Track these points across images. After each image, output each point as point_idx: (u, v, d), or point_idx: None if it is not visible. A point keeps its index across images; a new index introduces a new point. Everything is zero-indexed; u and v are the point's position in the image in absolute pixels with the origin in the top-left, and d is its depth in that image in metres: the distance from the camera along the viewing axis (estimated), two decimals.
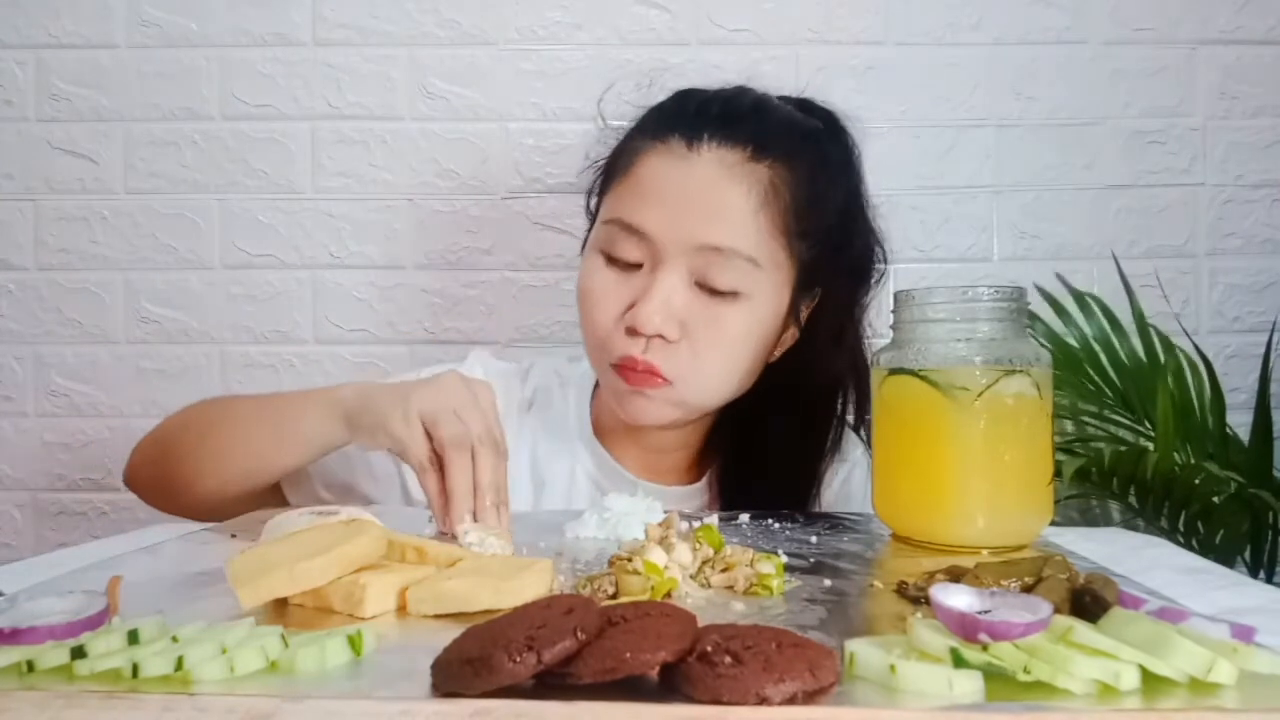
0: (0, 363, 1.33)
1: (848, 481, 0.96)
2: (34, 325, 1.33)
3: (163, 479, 0.87)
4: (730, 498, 0.90)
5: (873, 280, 0.92)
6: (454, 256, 1.33)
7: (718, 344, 0.82)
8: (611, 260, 0.84)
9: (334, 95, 1.33)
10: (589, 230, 0.91)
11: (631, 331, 0.81)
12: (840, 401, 0.93)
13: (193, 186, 1.33)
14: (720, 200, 0.81)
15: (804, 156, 0.85)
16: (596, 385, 0.96)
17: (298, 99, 1.33)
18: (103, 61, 1.33)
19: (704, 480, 0.94)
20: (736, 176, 0.81)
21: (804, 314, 0.89)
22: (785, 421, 0.90)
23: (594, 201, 0.92)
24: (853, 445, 0.97)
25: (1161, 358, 1.22)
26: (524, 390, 0.98)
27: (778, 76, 1.32)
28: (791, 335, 0.89)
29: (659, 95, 0.90)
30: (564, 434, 0.94)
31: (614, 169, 0.88)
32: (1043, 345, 0.67)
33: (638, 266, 0.83)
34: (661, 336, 0.80)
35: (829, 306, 0.90)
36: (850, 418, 0.95)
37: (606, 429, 0.94)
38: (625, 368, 0.82)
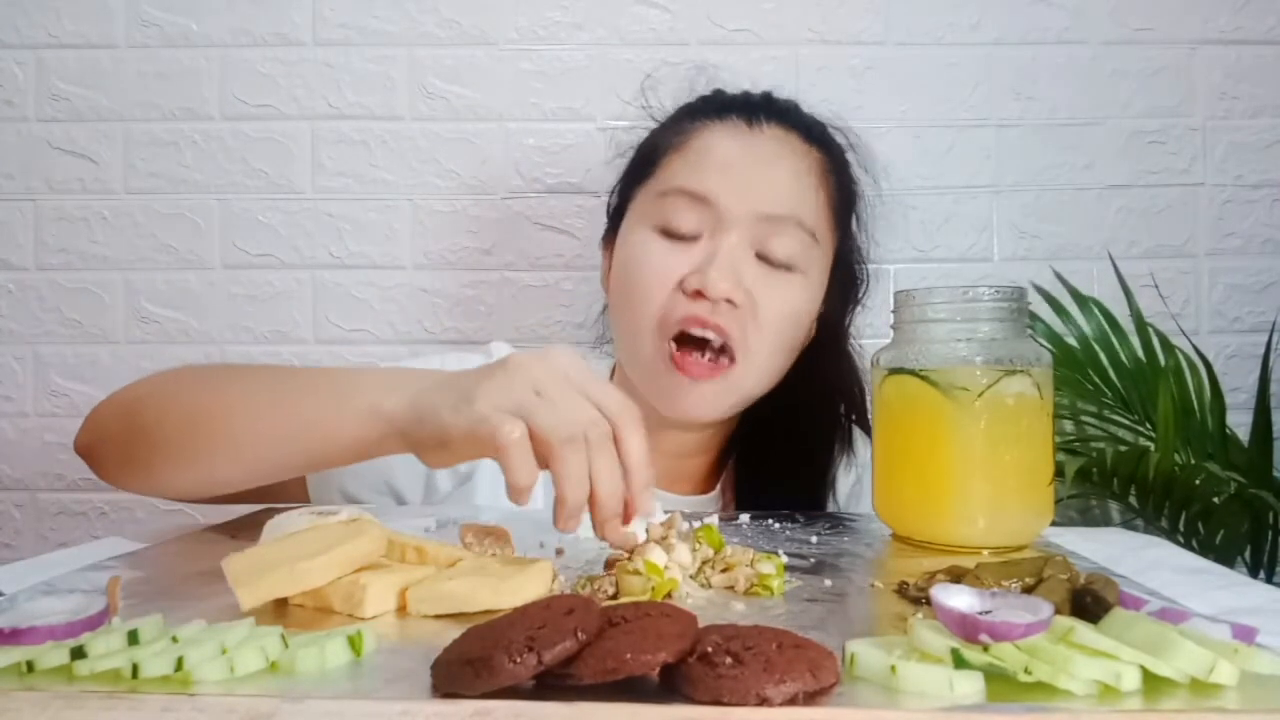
0: (0, 363, 1.33)
1: (859, 483, 0.96)
2: (34, 325, 1.33)
3: (129, 460, 0.73)
4: (745, 507, 0.89)
5: (860, 291, 0.94)
6: (454, 256, 1.33)
7: (777, 316, 0.81)
8: (666, 232, 0.82)
9: (334, 95, 1.33)
10: (610, 221, 0.91)
11: (696, 296, 0.79)
12: (843, 405, 0.92)
13: (193, 186, 1.33)
14: (785, 170, 0.83)
15: (840, 156, 0.89)
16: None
17: (298, 99, 1.33)
18: (103, 61, 1.33)
19: (716, 489, 0.93)
20: (798, 153, 0.85)
21: (821, 309, 0.90)
22: (795, 426, 0.89)
23: (612, 196, 0.92)
24: (862, 447, 0.97)
25: (1161, 358, 1.22)
26: None
27: (778, 76, 1.32)
28: (812, 329, 0.90)
29: (679, 96, 0.94)
30: None
31: (652, 154, 0.88)
32: (1043, 345, 0.67)
33: (694, 239, 0.81)
34: (730, 301, 0.79)
35: (831, 304, 0.91)
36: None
37: None
38: (687, 348, 0.79)
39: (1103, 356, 1.25)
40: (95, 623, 0.38)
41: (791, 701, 0.33)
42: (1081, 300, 1.27)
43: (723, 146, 0.83)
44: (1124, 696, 0.34)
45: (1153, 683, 0.34)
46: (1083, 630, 0.36)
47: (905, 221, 1.32)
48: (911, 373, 0.63)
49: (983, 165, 1.33)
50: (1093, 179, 1.33)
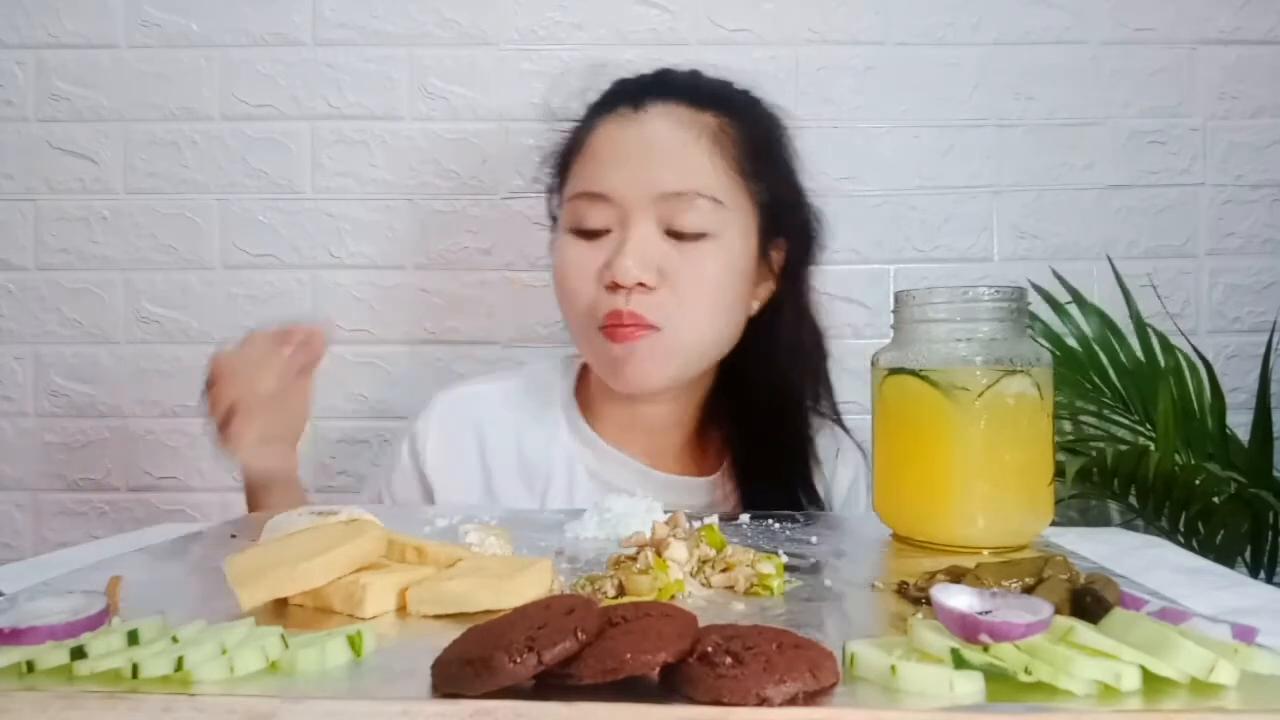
0: (0, 363, 1.33)
1: (856, 483, 0.97)
2: (34, 325, 1.33)
3: None
4: (745, 489, 0.91)
5: (817, 249, 0.95)
6: (454, 256, 1.33)
7: (697, 285, 0.84)
8: (581, 233, 0.86)
9: (334, 95, 1.33)
10: (552, 230, 0.94)
11: (613, 288, 0.83)
12: (806, 375, 0.95)
13: (193, 186, 1.33)
14: (673, 147, 0.85)
15: (742, 109, 0.90)
16: (580, 380, 0.98)
17: (298, 99, 1.33)
18: (103, 61, 1.33)
19: (719, 473, 0.94)
20: (684, 124, 0.86)
21: (775, 262, 0.92)
22: (764, 390, 0.92)
23: (554, 201, 0.95)
24: (851, 448, 0.98)
25: (1161, 358, 1.22)
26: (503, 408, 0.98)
27: (778, 76, 1.32)
28: (768, 288, 0.92)
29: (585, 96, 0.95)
30: (556, 430, 0.95)
31: (564, 158, 0.92)
32: (1043, 345, 0.67)
33: (607, 232, 0.85)
34: (642, 285, 0.83)
35: (788, 267, 0.93)
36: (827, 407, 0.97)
37: (601, 418, 0.95)
38: (612, 326, 0.84)
39: (1102, 357, 1.25)
40: (95, 623, 0.38)
41: (791, 701, 0.33)
42: (1081, 301, 1.27)
43: (612, 140, 0.87)
44: (1124, 696, 0.34)
45: (1153, 683, 0.34)
46: (1083, 630, 0.36)
47: (905, 221, 1.33)
48: (911, 373, 0.63)
49: (983, 165, 1.33)
50: (1093, 179, 1.33)
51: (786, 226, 0.92)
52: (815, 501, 0.90)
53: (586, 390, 0.97)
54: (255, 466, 0.86)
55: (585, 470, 0.93)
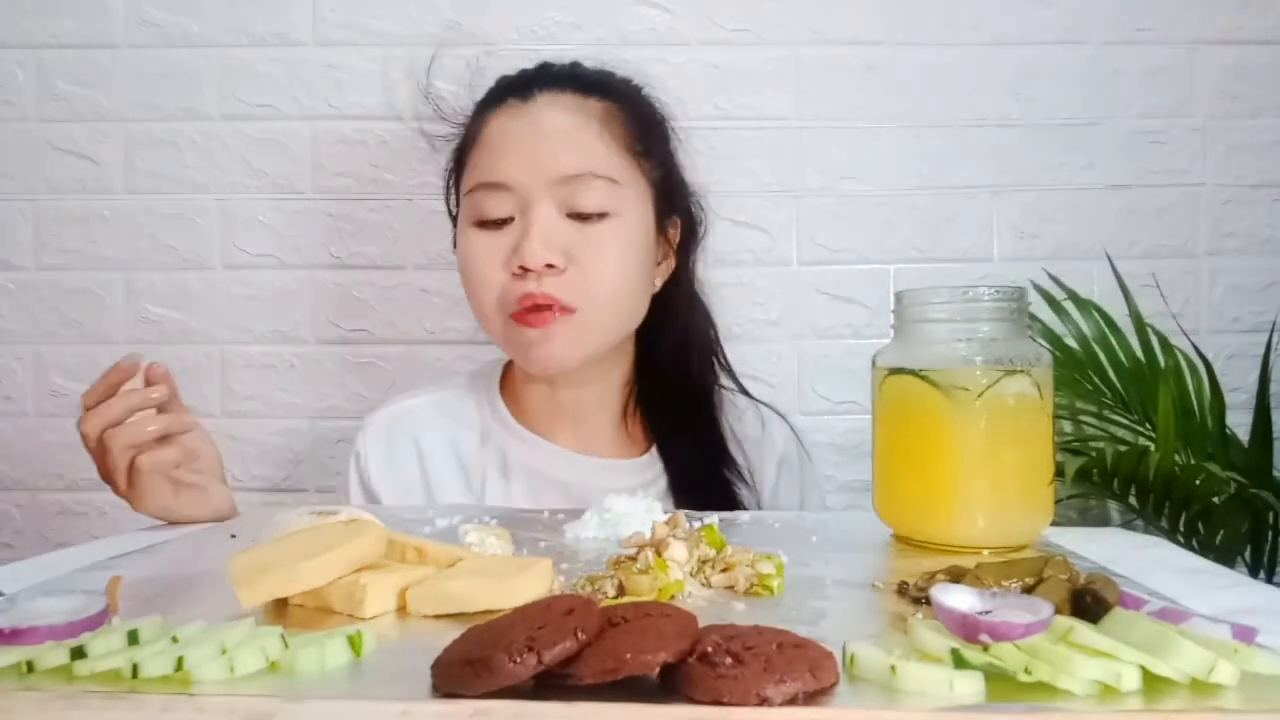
0: (0, 363, 1.33)
1: (786, 458, 1.00)
2: (34, 325, 1.33)
3: None
4: (671, 467, 0.94)
5: (700, 228, 1.00)
6: (454, 256, 1.33)
7: (603, 261, 0.87)
8: (483, 224, 0.88)
9: (334, 95, 1.33)
10: (455, 225, 0.95)
11: (521, 273, 0.85)
12: (703, 350, 1.00)
13: (193, 186, 1.33)
14: (565, 132, 0.88)
15: (626, 93, 0.94)
16: (505, 378, 1.00)
17: (298, 99, 1.33)
18: (103, 61, 1.33)
19: (649, 454, 0.97)
20: (572, 109, 0.89)
21: (673, 237, 0.96)
22: (668, 367, 0.97)
23: (452, 198, 0.97)
24: (776, 422, 1.02)
25: (1161, 358, 1.22)
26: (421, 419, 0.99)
27: (778, 76, 1.32)
28: (668, 266, 0.96)
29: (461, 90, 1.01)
30: (488, 430, 0.97)
31: (460, 153, 0.95)
32: (1043, 346, 0.67)
33: (509, 221, 0.87)
34: (551, 266, 0.85)
35: (681, 245, 0.97)
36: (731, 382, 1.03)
37: (529, 411, 0.97)
38: (526, 311, 0.85)
39: (1102, 357, 1.25)
40: (95, 623, 0.38)
41: (791, 701, 0.33)
42: (1080, 302, 1.27)
43: (504, 130, 0.89)
44: (1124, 696, 0.34)
45: (1153, 683, 0.34)
46: (1083, 630, 0.36)
47: (905, 221, 1.33)
48: (911, 373, 0.63)
49: (983, 165, 1.33)
50: (1093, 179, 1.33)
51: (678, 206, 0.96)
52: (739, 476, 0.94)
53: (513, 386, 1.00)
54: (186, 514, 0.79)
55: (519, 464, 0.95)
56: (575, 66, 0.96)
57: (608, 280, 0.87)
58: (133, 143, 1.33)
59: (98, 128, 1.33)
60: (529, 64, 0.97)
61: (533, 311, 0.85)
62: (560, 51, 1.31)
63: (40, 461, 1.34)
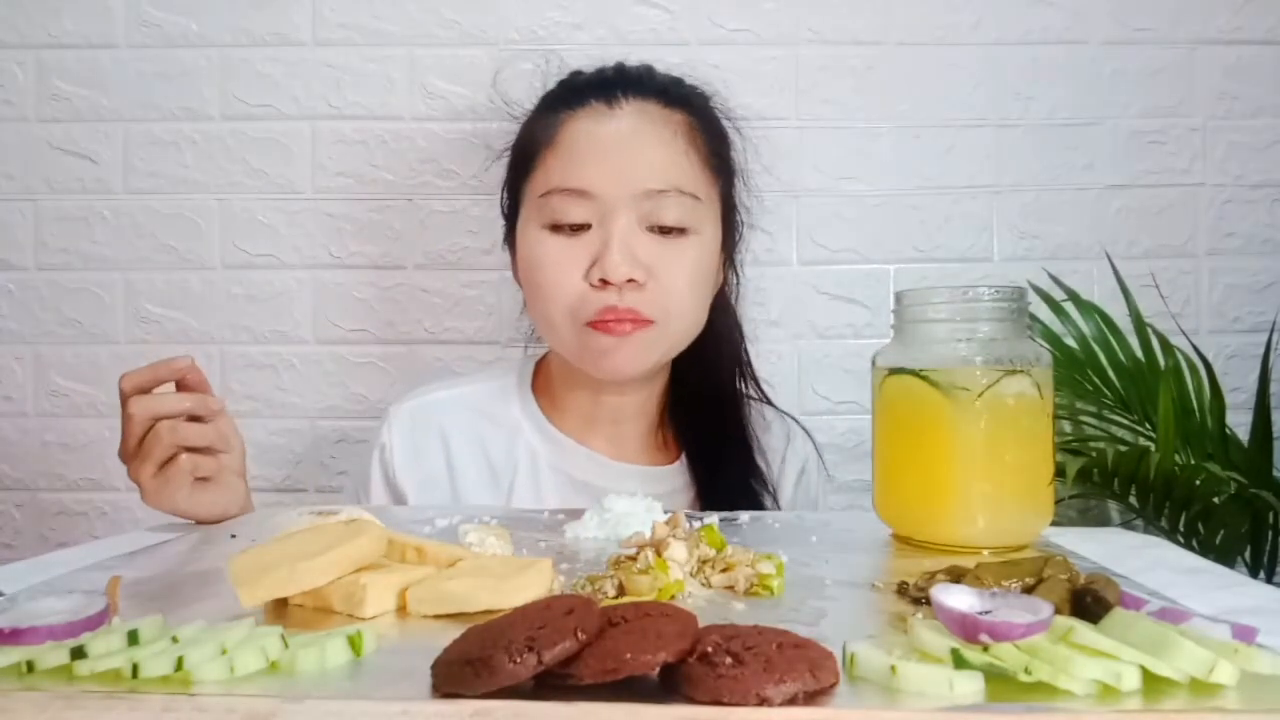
0: (0, 363, 1.33)
1: (805, 473, 1.00)
2: (34, 325, 1.33)
3: None
4: (700, 475, 0.94)
5: (735, 237, 0.99)
6: (454, 256, 1.33)
7: (681, 277, 0.87)
8: (558, 228, 0.87)
9: (334, 95, 1.33)
10: (507, 221, 0.95)
11: (601, 284, 0.85)
12: (735, 360, 1.00)
13: (193, 186, 1.33)
14: (653, 145, 0.87)
15: (704, 107, 0.94)
16: (538, 377, 1.00)
17: (298, 99, 1.33)
18: (103, 61, 1.33)
19: (680, 461, 0.97)
20: (659, 122, 0.88)
21: (736, 252, 0.98)
22: (702, 376, 0.97)
23: (503, 196, 0.96)
24: (801, 437, 1.02)
25: (1161, 358, 1.22)
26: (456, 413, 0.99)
27: (778, 76, 1.32)
28: (720, 278, 0.97)
29: (533, 85, 0.98)
30: (518, 429, 0.97)
31: (528, 151, 0.92)
32: (1042, 346, 0.67)
33: (585, 227, 0.86)
34: (633, 281, 0.84)
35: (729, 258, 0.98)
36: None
37: (563, 412, 0.97)
38: (605, 321, 0.85)
39: (1102, 357, 1.25)
40: (95, 623, 0.38)
41: (791, 701, 0.33)
42: (1080, 302, 1.27)
43: (589, 135, 0.87)
44: (1124, 696, 0.34)
45: (1153, 683, 0.34)
46: (1083, 630, 0.36)
47: (905, 221, 1.33)
48: (911, 373, 0.63)
49: (983, 165, 1.33)
50: (1093, 179, 1.33)
51: (735, 220, 0.97)
52: (764, 486, 0.94)
53: (546, 386, 0.99)
54: (204, 514, 0.79)
55: (548, 465, 0.95)
56: (654, 75, 0.95)
57: (684, 295, 0.88)
58: (132, 143, 1.33)
59: (97, 128, 1.33)
60: (590, 66, 0.96)
61: (614, 321, 0.85)
62: (560, 52, 1.32)
63: (40, 461, 1.34)
